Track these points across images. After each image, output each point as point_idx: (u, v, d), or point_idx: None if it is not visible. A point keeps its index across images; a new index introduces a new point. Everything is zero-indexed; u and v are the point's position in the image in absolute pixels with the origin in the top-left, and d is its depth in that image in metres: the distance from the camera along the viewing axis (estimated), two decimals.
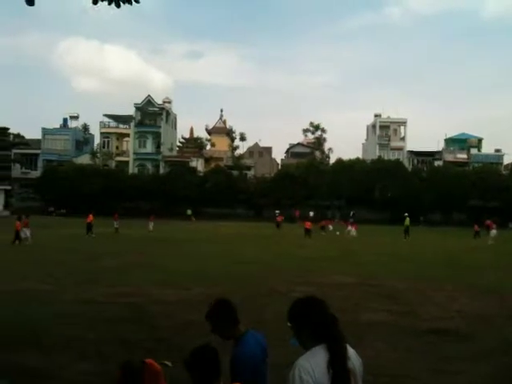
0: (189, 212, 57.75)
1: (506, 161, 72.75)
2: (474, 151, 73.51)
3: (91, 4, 7.07)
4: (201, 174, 67.07)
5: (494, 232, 34.22)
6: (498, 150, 73.48)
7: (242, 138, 74.57)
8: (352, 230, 37.85)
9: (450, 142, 76.39)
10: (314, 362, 2.38)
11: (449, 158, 71.80)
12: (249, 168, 71.64)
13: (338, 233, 38.35)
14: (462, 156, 72.53)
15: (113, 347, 7.58)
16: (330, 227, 42.75)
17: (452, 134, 77.69)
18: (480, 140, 76.18)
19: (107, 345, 7.75)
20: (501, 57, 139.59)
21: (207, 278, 14.65)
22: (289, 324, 2.58)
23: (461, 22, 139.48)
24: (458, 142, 75.82)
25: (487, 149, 74.78)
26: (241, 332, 3.28)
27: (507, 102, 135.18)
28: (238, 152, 74.51)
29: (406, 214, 37.79)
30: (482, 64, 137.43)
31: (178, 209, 59.12)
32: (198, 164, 70.85)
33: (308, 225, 34.46)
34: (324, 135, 73.79)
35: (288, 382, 2.39)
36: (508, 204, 54.33)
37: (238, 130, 75.60)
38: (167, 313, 10.12)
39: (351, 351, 2.54)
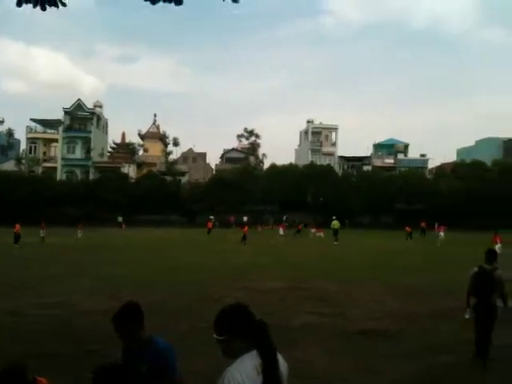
0: (119, 219, 56.26)
1: (430, 165, 76.67)
2: (400, 156, 76.87)
3: (15, 6, 6.73)
4: (132, 180, 65.68)
5: (441, 235, 35.67)
6: (423, 155, 77.25)
7: (176, 144, 73.86)
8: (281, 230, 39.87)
9: (378, 147, 79.42)
10: (243, 371, 2.36)
11: (377, 162, 74.59)
12: (183, 173, 70.99)
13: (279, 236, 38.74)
14: (390, 161, 75.64)
15: (40, 361, 7.22)
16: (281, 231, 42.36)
17: (380, 139, 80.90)
18: (406, 145, 79.77)
19: (34, 359, 7.36)
20: (428, 68, 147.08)
21: (138, 286, 14.31)
22: (219, 337, 2.48)
23: (392, 32, 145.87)
24: (386, 148, 78.99)
25: (413, 154, 78.45)
26: (146, 337, 3.21)
27: (432, 109, 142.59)
28: (172, 157, 73.76)
29: (334, 217, 38.59)
30: (411, 73, 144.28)
31: (108, 216, 57.45)
32: (130, 170, 69.39)
33: (245, 230, 34.10)
34: (258, 141, 74.60)
35: None
36: (432, 207, 57.04)
37: (171, 136, 74.92)
38: (96, 323, 9.77)
39: (279, 357, 2.54)
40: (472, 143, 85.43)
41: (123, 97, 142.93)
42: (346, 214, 52.52)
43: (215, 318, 2.53)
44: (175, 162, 72.73)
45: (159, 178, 65.03)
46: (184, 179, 69.79)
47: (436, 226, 38.90)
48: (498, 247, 23.02)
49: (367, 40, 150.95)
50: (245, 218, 59.28)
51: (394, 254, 26.12)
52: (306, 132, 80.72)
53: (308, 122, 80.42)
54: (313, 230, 43.23)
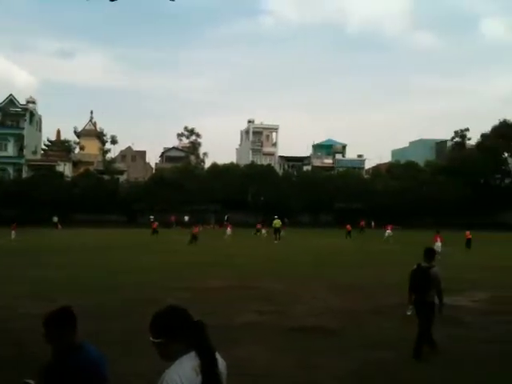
0: (55, 219, 54.22)
1: (367, 166, 79.12)
2: (339, 157, 78.81)
3: None
4: (68, 179, 63.54)
5: (389, 232, 36.63)
6: (360, 156, 79.56)
7: (114, 141, 72.13)
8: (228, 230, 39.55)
9: (317, 147, 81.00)
10: (182, 373, 2.34)
11: (316, 163, 76.08)
12: (121, 172, 69.41)
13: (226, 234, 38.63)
14: (328, 161, 77.37)
15: None
16: (264, 231, 41.95)
17: (319, 140, 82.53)
18: (344, 146, 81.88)
19: None
20: (364, 69, 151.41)
21: (76, 288, 13.86)
22: (155, 340, 2.44)
23: (329, 34, 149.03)
24: (325, 148, 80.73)
25: (351, 154, 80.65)
26: (77, 344, 3.06)
27: (369, 110, 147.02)
28: (110, 156, 71.97)
29: (276, 216, 39.05)
30: (347, 75, 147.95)
31: (43, 216, 55.23)
32: (66, 168, 67.06)
33: (196, 231, 32.80)
34: (199, 140, 74.15)
35: None
36: (369, 205, 58.84)
37: (109, 133, 73.04)
38: (33, 327, 9.36)
39: (218, 356, 2.53)
40: (406, 144, 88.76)
41: (58, 93, 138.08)
42: (287, 213, 53.13)
43: (151, 321, 2.49)
44: (113, 160, 71.00)
45: (96, 176, 63.29)
46: (122, 178, 68.27)
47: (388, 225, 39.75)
48: (438, 246, 23.77)
49: (306, 40, 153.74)
50: (186, 218, 58.76)
51: (336, 252, 26.74)
52: (246, 132, 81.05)
53: (249, 121, 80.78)
54: (263, 231, 42.08)
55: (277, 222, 37.60)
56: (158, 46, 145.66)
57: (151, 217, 57.93)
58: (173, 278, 16.05)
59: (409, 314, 8.04)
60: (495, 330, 9.53)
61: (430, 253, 7.99)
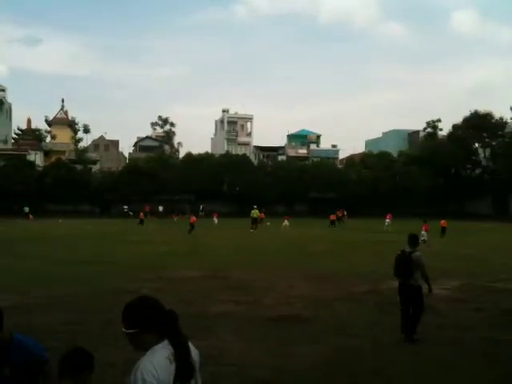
0: (26, 209, 53.19)
1: (341, 156, 79.72)
2: (313, 147, 79.24)
3: None
4: (40, 169, 62.34)
5: (388, 221, 37.54)
6: (334, 146, 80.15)
7: (86, 130, 70.95)
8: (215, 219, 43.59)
9: (292, 137, 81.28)
10: (156, 362, 2.36)
11: (291, 153, 76.35)
12: (94, 162, 68.38)
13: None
14: (303, 151, 77.74)
15: None
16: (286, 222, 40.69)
17: (294, 130, 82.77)
18: (318, 136, 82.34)
19: None
20: (335, 60, 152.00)
21: (48, 279, 13.67)
22: (129, 331, 2.44)
23: (302, 24, 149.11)
24: (299, 138, 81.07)
25: (325, 144, 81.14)
26: (6, 338, 2.98)
27: (343, 101, 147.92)
28: (82, 145, 70.81)
29: (255, 206, 39.19)
30: (320, 66, 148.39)
31: (13, 206, 54.14)
32: (37, 157, 65.77)
33: (193, 220, 32.52)
34: (173, 129, 73.58)
35: None
36: (343, 195, 59.41)
37: (81, 122, 71.79)
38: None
39: (191, 345, 2.57)
40: (379, 135, 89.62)
41: (28, 80, 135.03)
42: (262, 203, 53.24)
43: (123, 312, 2.49)
44: (86, 149, 69.89)
45: (68, 166, 62.22)
46: (95, 168, 67.32)
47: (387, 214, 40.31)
48: (423, 234, 24.78)
49: (279, 31, 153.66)
50: (160, 208, 58.42)
51: (310, 242, 26.91)
52: (221, 121, 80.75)
53: (223, 111, 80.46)
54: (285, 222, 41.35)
55: (254, 212, 37.85)
56: (132, 34, 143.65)
57: (125, 207, 57.47)
58: (146, 268, 15.94)
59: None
60: (466, 316, 9.78)
61: (413, 239, 8.31)
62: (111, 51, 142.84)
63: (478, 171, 67.29)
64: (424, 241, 23.21)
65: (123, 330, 2.47)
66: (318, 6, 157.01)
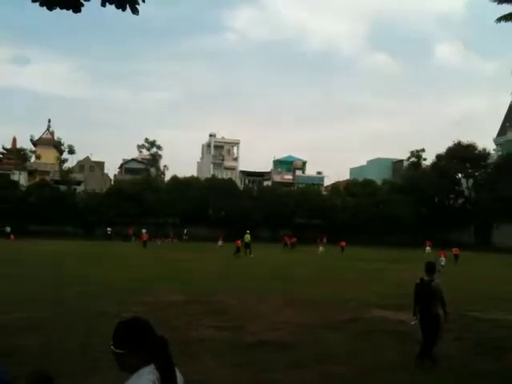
0: (7, 229, 52.52)
1: (326, 182, 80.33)
2: (298, 173, 79.82)
3: None
4: (23, 188, 61.76)
5: (428, 249, 40.00)
6: (319, 173, 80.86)
7: (71, 151, 70.64)
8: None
9: (277, 163, 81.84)
10: None
11: (277, 178, 76.80)
12: (78, 183, 67.98)
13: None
14: (288, 177, 78.27)
15: None
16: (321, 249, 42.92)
17: (280, 156, 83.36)
18: (304, 163, 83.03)
19: None
20: (322, 88, 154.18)
21: (31, 301, 13.47)
22: (118, 351, 2.43)
23: (290, 51, 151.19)
24: (285, 164, 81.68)
25: (310, 171, 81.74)
26: None
27: (329, 128, 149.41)
28: (67, 166, 70.41)
29: (248, 232, 39.41)
30: (307, 93, 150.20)
31: None
32: (21, 177, 65.20)
33: (238, 243, 35.26)
34: (159, 152, 73.57)
35: None
36: (328, 222, 59.70)
37: (67, 143, 71.50)
38: None
39: (177, 371, 2.55)
40: (364, 163, 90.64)
41: (15, 100, 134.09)
42: (247, 228, 53.21)
43: (114, 331, 2.48)
44: (70, 170, 69.47)
45: (52, 186, 61.75)
46: (80, 189, 66.88)
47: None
48: (442, 260, 26.81)
49: (268, 57, 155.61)
50: (144, 231, 57.99)
51: (294, 267, 26.90)
52: (208, 145, 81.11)
53: (210, 135, 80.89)
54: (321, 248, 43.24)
55: (247, 237, 38.21)
56: (121, 57, 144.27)
57: (108, 229, 56.95)
58: (128, 292, 15.78)
59: (412, 323, 8.57)
60: (446, 345, 9.84)
61: (430, 267, 8.50)
62: (100, 73, 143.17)
63: (460, 201, 68.10)
64: (442, 266, 25.31)
65: (112, 348, 2.45)
66: (306, 34, 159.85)
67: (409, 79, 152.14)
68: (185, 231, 58.68)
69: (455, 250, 33.67)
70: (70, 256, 30.66)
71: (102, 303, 13.37)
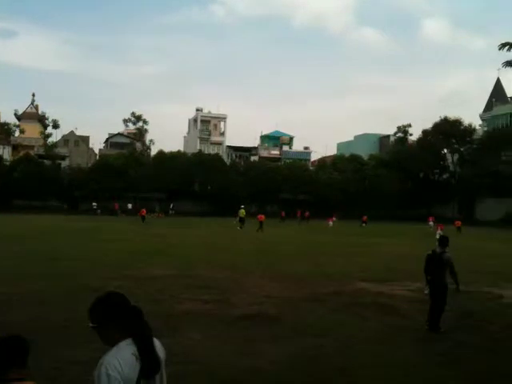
0: None
1: (312, 158, 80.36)
2: (286, 148, 79.70)
3: None
4: (7, 163, 60.98)
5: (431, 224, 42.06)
6: (306, 148, 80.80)
7: (56, 126, 69.46)
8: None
9: (265, 138, 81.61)
10: (120, 358, 2.37)
11: (264, 153, 76.64)
12: (63, 157, 67.29)
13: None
14: (275, 152, 78.14)
15: None
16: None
17: (267, 131, 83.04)
18: (291, 138, 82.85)
19: None
20: (310, 64, 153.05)
21: (17, 276, 13.40)
22: (93, 325, 2.50)
23: (278, 27, 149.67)
24: (272, 139, 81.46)
25: (297, 146, 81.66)
26: None
27: (316, 105, 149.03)
28: (52, 140, 69.39)
29: (243, 206, 40.11)
30: (295, 68, 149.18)
31: None
32: (5, 152, 64.34)
33: (261, 218, 35.94)
34: (146, 126, 72.75)
35: (94, 380, 2.34)
36: (314, 197, 59.92)
37: (51, 117, 70.31)
38: None
39: (157, 342, 2.58)
40: (351, 138, 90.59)
41: None
42: (234, 203, 53.30)
43: (90, 306, 2.54)
44: (55, 145, 68.58)
45: (37, 161, 61.05)
46: (64, 163, 66.19)
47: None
48: (439, 232, 28.35)
49: (256, 32, 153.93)
50: (129, 206, 57.86)
51: (280, 242, 27.04)
52: (194, 120, 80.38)
53: (197, 110, 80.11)
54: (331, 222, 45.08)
55: (242, 212, 38.79)
56: (108, 31, 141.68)
57: (94, 204, 56.73)
58: (114, 267, 15.78)
59: (426, 292, 9.42)
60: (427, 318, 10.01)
61: (443, 240, 9.15)
62: (86, 47, 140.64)
63: (445, 176, 68.66)
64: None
65: (89, 324, 2.52)
66: (294, 9, 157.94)
67: (397, 55, 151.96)
68: (171, 206, 58.59)
69: (458, 223, 37.69)
70: (54, 231, 30.47)
71: (87, 278, 13.32)
